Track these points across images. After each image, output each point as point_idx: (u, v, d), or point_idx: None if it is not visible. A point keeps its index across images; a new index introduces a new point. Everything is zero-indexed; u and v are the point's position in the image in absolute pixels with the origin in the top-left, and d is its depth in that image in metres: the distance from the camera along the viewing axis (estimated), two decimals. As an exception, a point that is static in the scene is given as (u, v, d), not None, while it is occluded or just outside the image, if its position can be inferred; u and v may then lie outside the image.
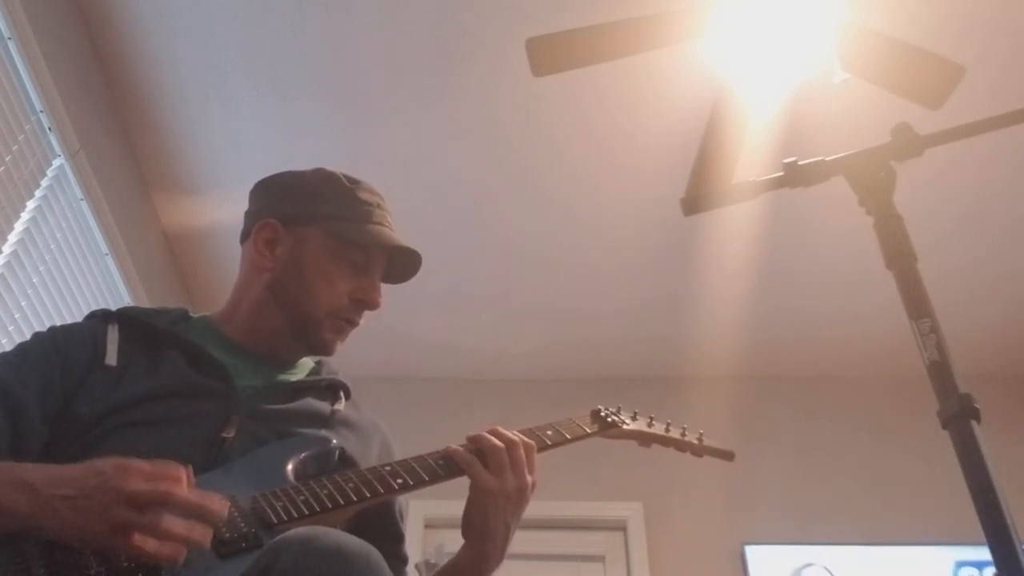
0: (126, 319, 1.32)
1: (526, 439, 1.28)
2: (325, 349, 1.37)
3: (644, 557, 3.67)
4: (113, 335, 1.28)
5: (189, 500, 0.95)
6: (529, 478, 1.24)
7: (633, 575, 3.66)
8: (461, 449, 1.24)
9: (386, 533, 1.32)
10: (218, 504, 0.96)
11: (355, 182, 1.42)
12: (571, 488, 3.57)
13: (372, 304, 1.38)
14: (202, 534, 0.94)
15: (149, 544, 0.91)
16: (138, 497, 0.93)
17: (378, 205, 1.41)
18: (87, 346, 1.26)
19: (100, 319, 1.32)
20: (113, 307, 1.39)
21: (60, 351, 1.24)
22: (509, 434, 1.26)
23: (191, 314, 1.41)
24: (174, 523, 0.93)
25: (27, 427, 1.15)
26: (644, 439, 1.52)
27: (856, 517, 3.71)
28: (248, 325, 1.38)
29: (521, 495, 1.23)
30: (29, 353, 1.24)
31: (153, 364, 1.27)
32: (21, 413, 1.16)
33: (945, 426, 0.92)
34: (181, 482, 0.96)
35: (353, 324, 1.38)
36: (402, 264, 1.43)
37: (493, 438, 1.25)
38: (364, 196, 1.40)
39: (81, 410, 1.18)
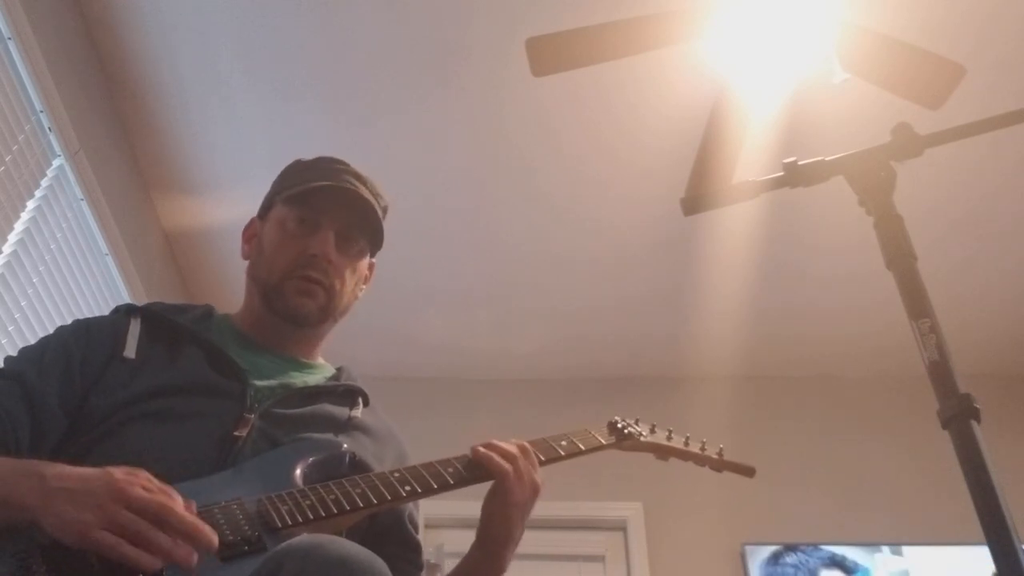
0: (149, 314, 1.34)
1: (526, 444, 1.28)
2: (296, 313, 1.36)
3: (644, 557, 3.67)
4: (135, 329, 1.30)
5: (183, 519, 0.95)
6: (539, 480, 1.26)
7: (633, 575, 3.66)
8: (498, 458, 1.24)
9: (402, 543, 1.33)
10: (209, 534, 0.96)
11: (318, 158, 1.46)
12: (571, 488, 3.57)
13: (323, 254, 1.35)
14: (186, 554, 0.94)
15: (128, 548, 0.92)
16: (136, 501, 0.94)
17: (335, 169, 1.42)
18: (107, 338, 1.28)
19: (123, 313, 1.34)
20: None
21: (81, 343, 1.26)
22: (511, 445, 1.27)
23: (215, 312, 1.42)
24: (161, 536, 0.93)
25: (47, 420, 1.17)
26: (662, 452, 1.49)
27: (857, 517, 3.71)
28: (249, 319, 1.41)
29: (534, 500, 1.25)
30: (50, 346, 1.26)
31: (171, 360, 1.28)
32: (42, 407, 1.17)
33: (945, 426, 0.92)
34: (179, 504, 0.98)
35: (312, 281, 1.35)
36: (358, 215, 1.40)
37: (508, 450, 1.25)
38: (320, 164, 1.44)
39: (98, 401, 1.20)
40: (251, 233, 1.46)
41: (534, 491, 1.24)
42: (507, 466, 1.22)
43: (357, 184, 1.41)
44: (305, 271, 1.35)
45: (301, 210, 1.38)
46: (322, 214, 1.38)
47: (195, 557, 0.95)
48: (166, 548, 0.93)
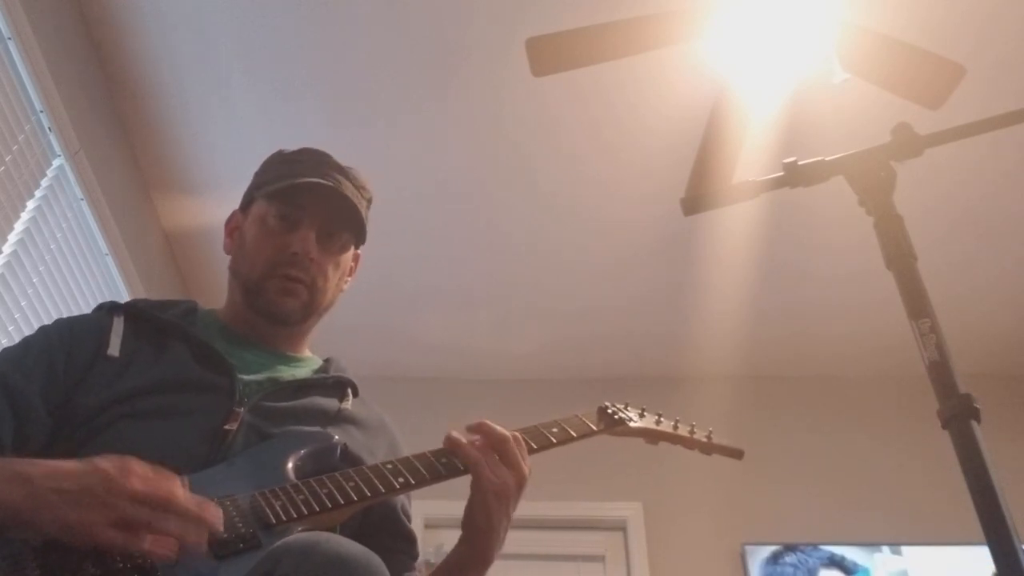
0: (133, 311, 1.33)
1: (516, 433, 1.27)
2: (277, 311, 1.35)
3: (644, 557, 3.67)
4: (118, 326, 1.29)
5: (188, 506, 0.95)
6: (525, 469, 1.24)
7: (633, 575, 3.66)
8: (468, 446, 1.21)
9: (396, 534, 1.32)
10: (214, 514, 0.97)
11: (299, 150, 1.44)
12: (571, 488, 3.57)
13: (304, 252, 1.34)
14: (197, 537, 0.94)
15: (145, 541, 0.92)
16: (137, 495, 0.93)
17: (317, 162, 1.41)
18: (91, 337, 1.26)
19: (106, 310, 1.33)
20: (113, 308, 1.39)
21: (64, 342, 1.25)
22: (501, 429, 1.25)
23: (199, 308, 1.41)
24: (171, 524, 0.93)
25: (32, 421, 1.16)
26: (651, 437, 1.49)
27: (856, 517, 3.71)
28: (232, 313, 1.40)
29: (520, 488, 1.23)
30: (33, 346, 1.24)
31: (157, 356, 1.27)
32: (26, 408, 1.16)
33: (945, 426, 0.92)
34: (179, 488, 0.97)
35: (295, 280, 1.34)
36: (338, 211, 1.39)
37: (490, 437, 1.23)
38: (301, 157, 1.42)
39: (84, 401, 1.18)
40: (233, 226, 1.44)
41: (518, 480, 1.22)
42: (476, 455, 1.20)
43: (340, 179, 1.39)
44: (286, 269, 1.34)
45: (282, 207, 1.36)
46: (303, 210, 1.36)
47: (205, 539, 0.95)
48: (177, 534, 0.93)
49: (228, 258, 1.44)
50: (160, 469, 0.98)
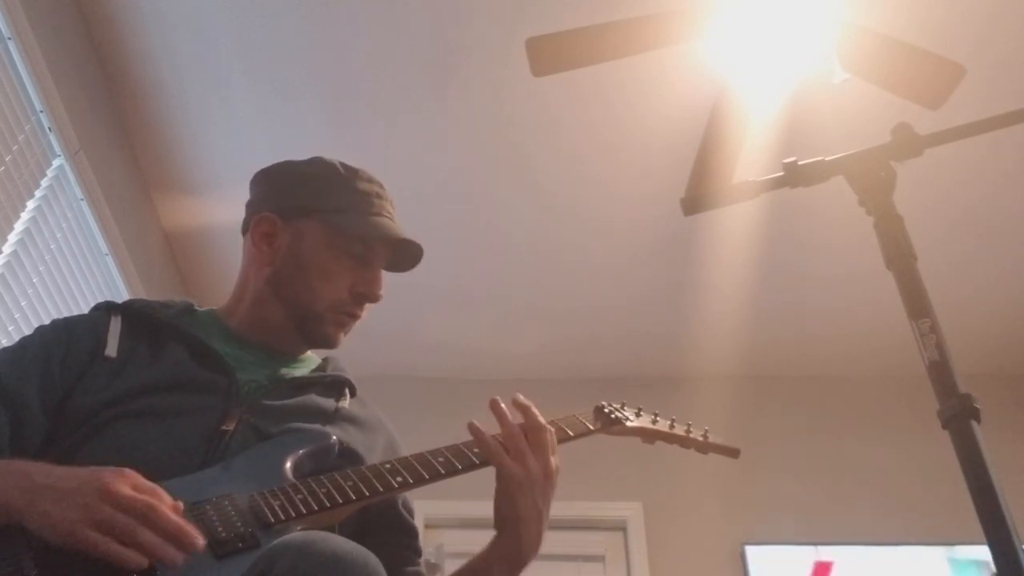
0: (130, 311, 1.32)
1: (546, 424, 1.27)
2: (327, 342, 1.36)
3: (644, 557, 3.67)
4: (115, 327, 1.28)
5: (170, 520, 0.95)
6: (553, 460, 1.24)
7: (633, 575, 3.66)
8: (488, 435, 1.23)
9: (397, 529, 1.33)
10: (194, 537, 0.96)
11: (353, 171, 1.41)
12: (571, 488, 3.54)
13: (373, 297, 1.36)
14: (172, 555, 0.94)
15: (114, 545, 0.92)
16: (123, 499, 0.94)
17: (377, 195, 1.40)
18: (88, 337, 1.26)
19: (104, 310, 1.32)
20: (113, 307, 1.39)
21: (61, 343, 1.24)
22: (541, 418, 1.26)
23: (196, 307, 1.40)
24: (147, 535, 0.93)
25: (28, 422, 1.16)
26: (648, 436, 1.50)
27: (856, 517, 3.71)
28: (251, 318, 1.37)
29: (547, 479, 1.22)
30: (29, 347, 1.24)
31: (155, 356, 1.27)
32: (22, 408, 1.16)
33: (945, 426, 0.92)
34: (164, 502, 0.97)
35: (355, 317, 1.37)
36: (403, 254, 1.42)
37: (512, 425, 1.25)
38: (362, 186, 1.39)
39: (81, 401, 1.18)
40: (269, 232, 1.37)
41: (544, 470, 1.22)
42: (495, 444, 1.21)
43: (392, 210, 1.41)
44: (352, 308, 1.35)
45: (354, 245, 1.35)
46: (376, 253, 1.38)
47: (180, 557, 0.95)
48: (151, 546, 0.93)
49: (229, 258, 1.44)
50: (156, 486, 0.99)
